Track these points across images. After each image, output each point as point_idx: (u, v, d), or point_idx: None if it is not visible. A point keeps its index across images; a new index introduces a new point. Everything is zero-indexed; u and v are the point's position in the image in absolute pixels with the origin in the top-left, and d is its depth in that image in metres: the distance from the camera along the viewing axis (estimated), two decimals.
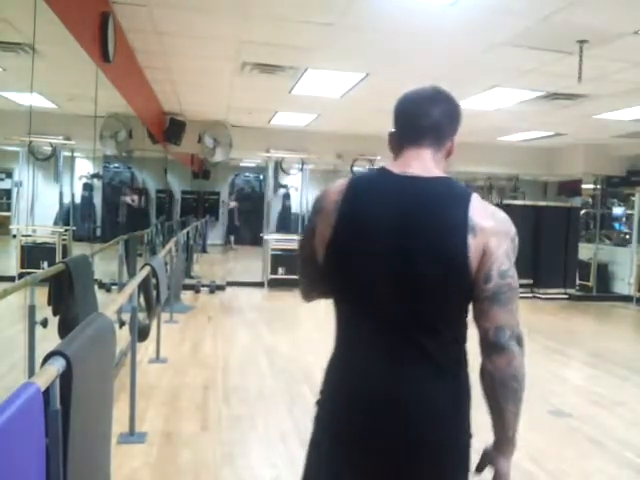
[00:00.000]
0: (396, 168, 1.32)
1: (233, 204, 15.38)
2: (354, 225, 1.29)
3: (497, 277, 1.23)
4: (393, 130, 1.39)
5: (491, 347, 1.23)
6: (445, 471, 1.26)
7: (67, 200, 7.27)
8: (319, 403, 1.41)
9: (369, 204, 1.30)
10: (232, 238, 15.30)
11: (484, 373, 1.25)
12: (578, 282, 9.57)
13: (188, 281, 8.79)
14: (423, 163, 1.32)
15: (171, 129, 8.24)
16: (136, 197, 10.66)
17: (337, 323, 1.39)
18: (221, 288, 8.84)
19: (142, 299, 3.85)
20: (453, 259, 1.22)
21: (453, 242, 1.22)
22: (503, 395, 1.24)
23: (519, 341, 1.24)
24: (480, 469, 1.31)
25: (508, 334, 1.23)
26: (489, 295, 1.23)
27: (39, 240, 6.71)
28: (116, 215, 10.25)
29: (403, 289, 1.24)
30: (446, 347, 1.27)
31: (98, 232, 9.59)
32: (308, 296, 1.53)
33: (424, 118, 1.33)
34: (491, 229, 1.24)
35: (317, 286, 1.46)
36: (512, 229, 1.28)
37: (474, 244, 1.22)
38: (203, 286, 8.70)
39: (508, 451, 1.29)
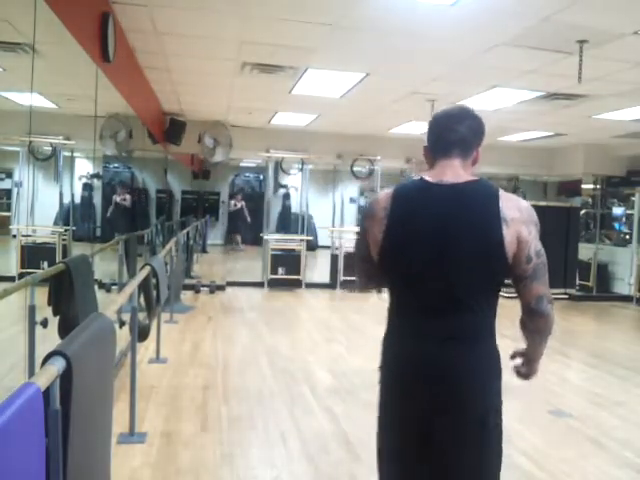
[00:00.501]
0: (433, 177, 1.61)
1: (240, 204, 15.29)
2: (403, 228, 1.58)
3: (535, 257, 1.55)
4: (426, 145, 1.70)
5: (533, 312, 1.58)
6: (480, 413, 1.56)
7: (67, 200, 7.26)
8: (381, 368, 1.70)
9: (414, 209, 1.59)
10: (240, 238, 15.05)
11: (526, 328, 1.65)
12: (578, 282, 9.56)
13: (188, 281, 8.79)
14: (454, 170, 1.61)
15: (171, 129, 8.24)
16: (128, 196, 10.58)
17: (391, 305, 1.69)
18: (221, 288, 8.84)
19: (142, 299, 3.85)
20: (492, 247, 1.51)
21: (490, 233, 1.51)
22: (540, 339, 1.66)
23: (552, 304, 1.59)
24: (513, 356, 1.76)
25: (546, 301, 1.58)
26: (530, 273, 1.55)
27: (39, 240, 6.70)
28: (105, 213, 10.21)
29: (447, 276, 1.53)
30: (482, 321, 1.58)
31: (98, 232, 9.58)
32: (365, 288, 1.83)
33: (452, 133, 1.63)
34: (520, 219, 1.53)
35: (373, 279, 1.76)
36: (534, 215, 1.59)
37: (508, 233, 1.51)
38: (203, 286, 8.70)
39: (538, 359, 1.73)
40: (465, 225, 1.53)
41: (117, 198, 10.52)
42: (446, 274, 1.54)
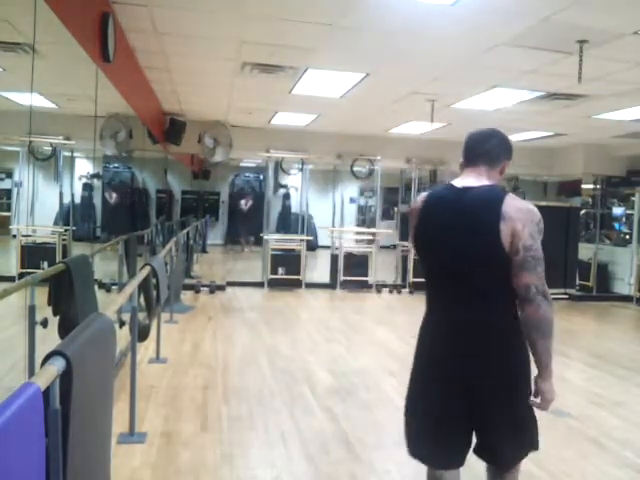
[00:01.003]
0: (458, 183, 1.97)
1: (249, 203, 15.20)
2: (428, 225, 1.98)
3: (522, 250, 1.80)
4: (462, 160, 2.05)
5: (522, 300, 1.81)
6: (506, 375, 1.90)
7: (67, 200, 7.25)
8: (420, 336, 2.05)
9: (438, 209, 1.96)
10: (251, 238, 14.70)
11: (521, 319, 1.84)
12: (578, 282, 9.56)
13: (188, 281, 8.79)
14: (477, 177, 1.95)
15: (171, 129, 8.23)
16: (115, 194, 10.71)
17: (427, 290, 2.07)
18: (221, 288, 8.84)
19: (142, 299, 3.85)
20: (491, 238, 1.81)
21: (489, 228, 1.81)
22: (535, 334, 1.81)
23: (544, 295, 1.80)
24: (533, 392, 1.89)
25: (534, 291, 1.79)
26: (518, 263, 1.80)
27: (39, 240, 6.70)
28: (104, 213, 10.28)
29: (463, 264, 1.89)
30: (495, 301, 1.89)
31: (98, 232, 9.57)
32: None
33: (478, 148, 1.99)
34: (517, 217, 1.80)
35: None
36: (536, 216, 1.84)
37: (504, 228, 1.79)
38: (203, 286, 8.70)
39: (545, 374, 1.85)
40: (473, 220, 1.86)
41: (106, 195, 10.61)
42: (462, 262, 1.88)
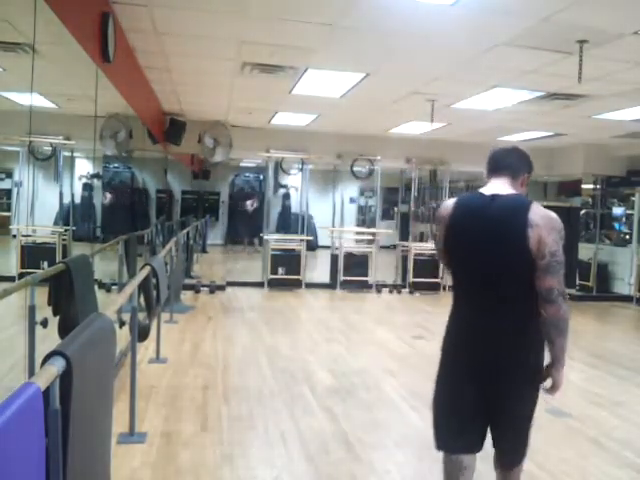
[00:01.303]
0: (486, 190, 2.17)
1: (255, 204, 15.18)
2: (460, 228, 2.15)
3: (548, 256, 1.97)
4: (486, 172, 2.26)
5: (544, 301, 1.99)
6: (519, 353, 2.08)
7: (67, 200, 7.25)
8: (446, 335, 2.25)
9: (468, 214, 2.15)
10: (256, 241, 14.48)
11: (542, 318, 2.01)
12: (578, 282, 9.56)
13: (188, 281, 8.79)
14: (502, 185, 2.16)
15: (171, 129, 8.23)
16: (109, 195, 10.95)
17: (455, 288, 2.26)
18: (221, 288, 8.84)
19: (142, 299, 3.85)
20: (519, 242, 1.99)
21: (518, 234, 1.99)
22: (554, 332, 2.01)
23: (564, 297, 1.99)
24: (544, 379, 2.12)
25: (556, 293, 1.98)
26: (543, 267, 1.97)
27: (39, 240, 6.70)
28: (104, 213, 10.48)
29: (491, 267, 2.07)
30: (519, 305, 2.06)
31: (98, 232, 9.58)
32: (444, 263, 2.35)
33: (501, 162, 2.22)
34: (542, 224, 1.98)
35: (445, 260, 2.30)
36: (559, 225, 2.01)
37: (532, 234, 1.97)
38: (203, 286, 8.70)
39: (559, 366, 2.07)
40: (502, 226, 2.05)
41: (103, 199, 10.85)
42: (491, 264, 2.07)
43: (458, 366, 2.17)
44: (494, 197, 2.10)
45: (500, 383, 2.08)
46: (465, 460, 2.17)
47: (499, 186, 2.15)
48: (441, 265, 9.51)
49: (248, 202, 15.24)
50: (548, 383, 2.11)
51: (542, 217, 1.99)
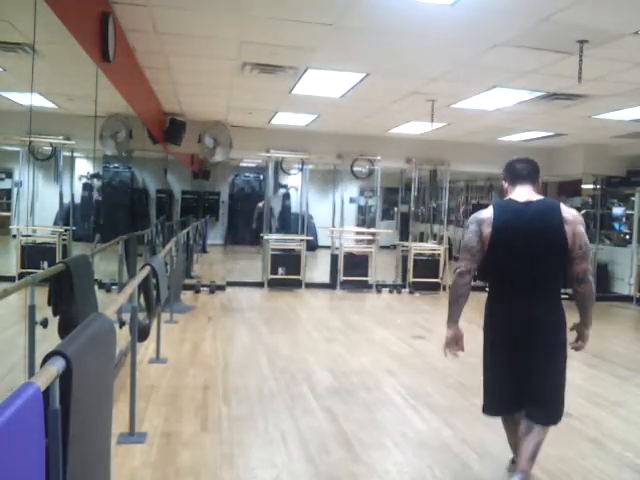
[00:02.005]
0: (517, 197, 2.69)
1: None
2: (505, 230, 2.62)
3: (584, 245, 2.59)
4: (505, 180, 2.81)
5: (581, 280, 2.62)
6: (557, 349, 2.69)
7: (67, 200, 7.25)
8: (489, 318, 2.79)
9: (510, 217, 2.64)
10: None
11: (578, 294, 2.66)
12: None
13: (188, 281, 8.79)
14: (528, 192, 2.69)
15: (171, 129, 8.23)
16: (115, 195, 11.19)
17: (497, 284, 2.76)
18: (221, 288, 8.84)
19: (142, 299, 3.85)
20: (558, 238, 2.56)
21: (557, 230, 2.56)
22: (588, 302, 2.68)
23: (592, 276, 2.65)
24: (572, 328, 2.74)
25: (589, 273, 2.63)
26: (581, 255, 2.59)
27: (39, 240, 6.70)
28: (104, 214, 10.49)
29: (533, 262, 2.60)
30: (553, 287, 2.69)
31: (97, 232, 9.58)
32: (469, 273, 2.68)
33: (523, 171, 2.74)
34: (574, 220, 2.59)
35: (475, 260, 2.67)
36: (582, 219, 2.65)
37: (568, 230, 2.56)
38: (203, 286, 8.71)
39: (589, 324, 2.74)
40: (541, 226, 2.58)
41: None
42: (533, 255, 2.59)
43: (506, 341, 2.67)
44: (528, 202, 2.63)
45: (540, 350, 2.62)
46: (516, 417, 2.76)
47: (526, 193, 2.67)
48: (442, 265, 9.54)
49: (259, 204, 15.20)
50: (575, 339, 2.74)
51: (572, 215, 2.60)
